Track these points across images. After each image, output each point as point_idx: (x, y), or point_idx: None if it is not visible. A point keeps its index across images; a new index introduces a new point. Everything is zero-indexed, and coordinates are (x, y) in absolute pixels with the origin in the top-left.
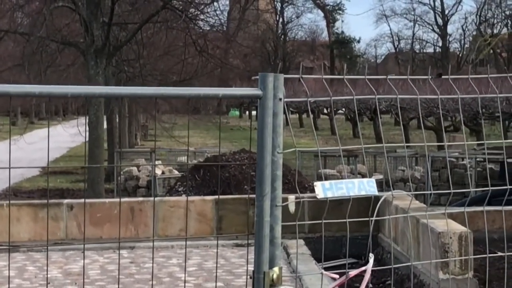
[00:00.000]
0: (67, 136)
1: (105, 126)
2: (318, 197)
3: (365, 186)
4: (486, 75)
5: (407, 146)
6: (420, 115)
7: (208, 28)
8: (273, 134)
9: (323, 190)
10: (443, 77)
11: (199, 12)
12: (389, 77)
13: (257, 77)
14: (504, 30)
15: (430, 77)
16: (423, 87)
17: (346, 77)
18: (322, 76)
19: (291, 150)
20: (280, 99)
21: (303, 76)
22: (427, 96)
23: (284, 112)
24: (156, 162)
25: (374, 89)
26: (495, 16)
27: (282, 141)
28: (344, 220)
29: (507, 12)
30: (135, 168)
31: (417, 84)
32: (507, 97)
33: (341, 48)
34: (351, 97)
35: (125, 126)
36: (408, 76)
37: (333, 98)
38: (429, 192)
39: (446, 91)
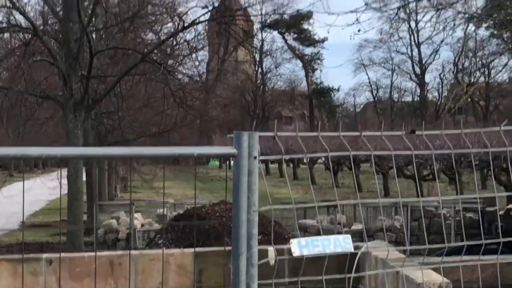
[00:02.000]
0: (46, 189)
1: (84, 178)
2: (294, 255)
3: (341, 243)
4: (460, 130)
5: (388, 195)
6: (394, 168)
7: (187, 80)
8: (248, 193)
9: (299, 247)
10: (416, 133)
11: (177, 64)
12: (363, 134)
13: (232, 135)
14: (482, 79)
15: (403, 133)
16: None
17: (321, 134)
18: (296, 133)
19: (267, 208)
20: (255, 157)
21: (278, 133)
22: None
23: (265, 162)
24: (136, 215)
25: (353, 140)
26: (472, 65)
27: (257, 199)
28: (321, 278)
29: (484, 61)
30: (114, 221)
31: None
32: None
33: (320, 97)
34: (326, 154)
35: (105, 179)
36: (382, 133)
37: (308, 155)
38: (407, 247)
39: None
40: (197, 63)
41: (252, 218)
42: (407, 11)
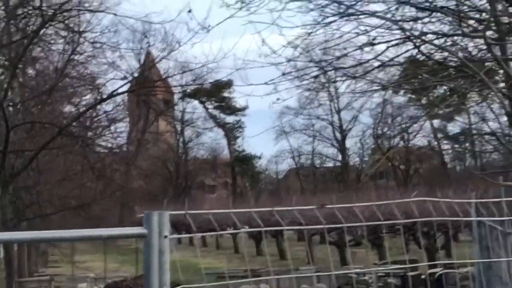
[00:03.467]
0: None
1: (2, 255)
2: None
3: None
4: (372, 203)
5: (310, 262)
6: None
7: (106, 151)
8: (160, 272)
9: None
10: (326, 206)
11: (97, 136)
12: (275, 209)
13: (142, 215)
14: (401, 143)
15: (315, 207)
16: (323, 201)
17: (232, 211)
18: (209, 211)
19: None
20: (166, 237)
21: (189, 212)
22: (313, 227)
23: (188, 231)
24: None
25: (276, 203)
26: (391, 129)
27: (168, 279)
28: None
29: (403, 126)
30: None
31: (317, 199)
32: (405, 211)
33: (242, 165)
34: (239, 231)
35: (24, 254)
36: (294, 207)
37: (221, 232)
38: None
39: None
40: (116, 135)
41: None
42: (326, 78)
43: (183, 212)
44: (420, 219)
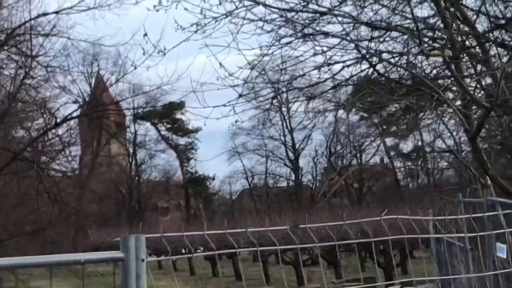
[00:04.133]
0: None
1: None
2: None
3: None
4: (342, 222)
5: (268, 282)
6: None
7: (60, 175)
8: None
9: None
10: (300, 226)
11: (50, 160)
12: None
13: (118, 239)
14: (354, 161)
15: (287, 227)
16: (279, 221)
17: (206, 232)
18: (183, 233)
19: None
20: (143, 260)
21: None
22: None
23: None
24: None
25: (230, 224)
26: (344, 148)
27: None
28: None
29: (356, 144)
30: None
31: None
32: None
33: (195, 186)
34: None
35: None
36: (268, 228)
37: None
38: None
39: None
40: (70, 158)
41: None
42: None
43: (159, 235)
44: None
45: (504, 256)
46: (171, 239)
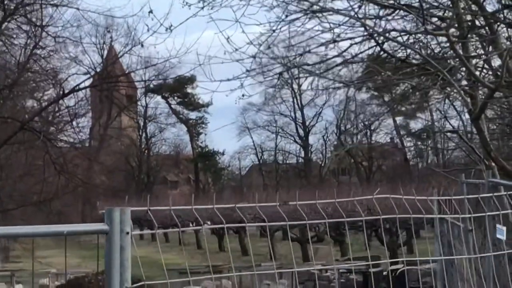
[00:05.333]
0: None
1: None
2: None
3: None
4: (334, 200)
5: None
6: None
7: (68, 147)
8: (121, 269)
9: None
10: (289, 203)
11: (58, 131)
12: (237, 205)
13: (103, 211)
14: (364, 140)
15: (278, 204)
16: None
17: (194, 207)
18: (170, 207)
19: (141, 284)
20: (128, 233)
21: (151, 208)
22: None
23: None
24: (17, 286)
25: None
26: (355, 126)
27: (130, 275)
28: None
29: (366, 122)
30: None
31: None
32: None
33: (205, 161)
34: (200, 227)
35: None
36: (257, 204)
37: (183, 229)
38: None
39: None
40: (78, 130)
41: None
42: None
43: (145, 208)
44: (383, 216)
45: (504, 238)
46: (178, 213)
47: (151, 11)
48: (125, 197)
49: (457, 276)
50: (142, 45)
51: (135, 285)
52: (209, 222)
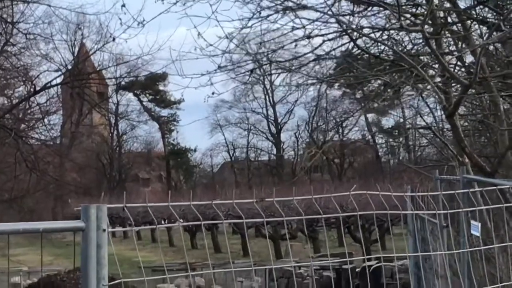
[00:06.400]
0: None
1: None
2: None
3: None
4: (310, 196)
5: (246, 256)
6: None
7: (39, 144)
8: (98, 267)
9: None
10: (266, 200)
11: (30, 128)
12: (213, 202)
13: (79, 208)
14: (336, 137)
15: (255, 200)
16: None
17: (171, 204)
18: (147, 204)
19: (118, 281)
20: (104, 230)
21: (127, 205)
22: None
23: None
24: None
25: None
26: (326, 123)
27: (107, 273)
28: None
29: (338, 119)
30: None
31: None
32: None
33: (177, 158)
34: (176, 224)
35: None
36: (234, 201)
37: (159, 225)
38: None
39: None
40: (50, 127)
41: None
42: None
43: (121, 205)
44: (360, 212)
45: (478, 234)
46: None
47: (124, 5)
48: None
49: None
50: (113, 39)
51: (111, 282)
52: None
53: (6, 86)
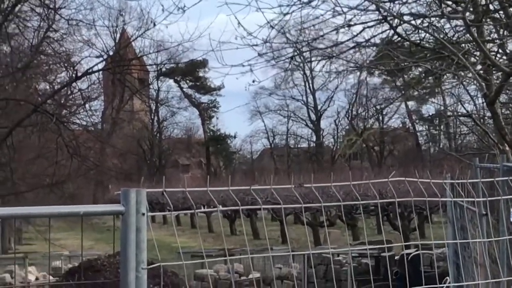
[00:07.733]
0: None
1: None
2: None
3: None
4: (349, 182)
5: (284, 242)
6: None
7: (80, 129)
8: (137, 250)
9: None
10: (305, 185)
11: (71, 114)
12: (252, 187)
13: (119, 192)
14: (376, 125)
15: (293, 186)
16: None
17: (210, 188)
18: (185, 188)
19: (156, 265)
20: (143, 214)
21: (166, 189)
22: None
23: (162, 210)
24: (30, 268)
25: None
26: (366, 111)
27: (146, 257)
28: None
29: (377, 107)
30: (8, 275)
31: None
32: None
33: (217, 144)
34: (216, 209)
35: None
36: (271, 186)
37: (197, 210)
38: None
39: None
40: (91, 113)
41: (141, 276)
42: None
43: (160, 190)
44: (398, 199)
45: None
46: (190, 195)
47: None
48: (136, 180)
49: (471, 261)
50: (154, 24)
51: (150, 266)
52: (221, 206)
53: (48, 71)
